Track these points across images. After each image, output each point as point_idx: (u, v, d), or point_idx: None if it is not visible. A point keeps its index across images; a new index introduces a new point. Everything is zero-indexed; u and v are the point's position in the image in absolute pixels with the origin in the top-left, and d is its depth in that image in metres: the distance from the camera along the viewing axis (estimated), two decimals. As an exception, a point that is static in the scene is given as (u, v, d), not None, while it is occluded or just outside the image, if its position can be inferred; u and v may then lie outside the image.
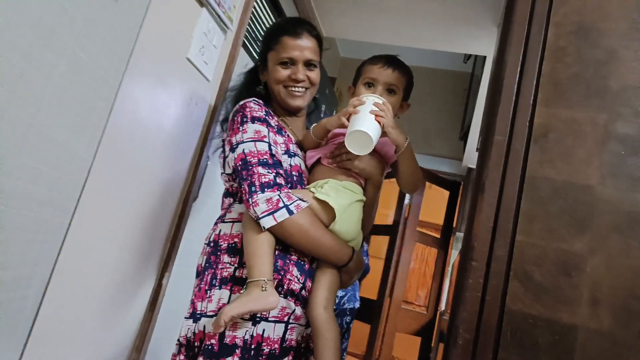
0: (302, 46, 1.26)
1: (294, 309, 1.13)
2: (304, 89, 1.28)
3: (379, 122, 1.13)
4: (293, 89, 1.27)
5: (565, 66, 0.95)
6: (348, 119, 1.15)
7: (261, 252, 1.08)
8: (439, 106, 4.17)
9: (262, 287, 1.03)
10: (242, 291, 1.07)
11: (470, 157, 3.88)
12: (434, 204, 4.00)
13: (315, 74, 1.29)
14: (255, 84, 1.34)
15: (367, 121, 1.11)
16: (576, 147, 0.91)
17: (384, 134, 1.16)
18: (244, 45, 1.89)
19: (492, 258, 0.90)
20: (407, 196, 3.82)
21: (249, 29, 2.00)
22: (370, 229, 1.33)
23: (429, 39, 2.71)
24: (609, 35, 0.95)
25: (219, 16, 1.45)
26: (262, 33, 2.18)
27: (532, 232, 0.89)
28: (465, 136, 3.73)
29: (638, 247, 0.84)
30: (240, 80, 1.38)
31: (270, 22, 2.26)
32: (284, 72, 1.26)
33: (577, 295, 0.84)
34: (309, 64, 1.28)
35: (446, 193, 4.09)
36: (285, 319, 1.12)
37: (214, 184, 1.74)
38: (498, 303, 0.87)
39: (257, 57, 2.10)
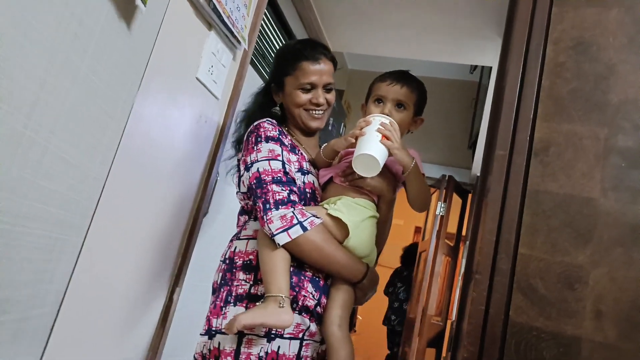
0: (322, 71, 1.29)
1: (309, 325, 1.14)
2: (322, 111, 1.32)
3: (386, 146, 1.13)
4: (314, 112, 1.30)
5: (564, 81, 0.97)
6: (356, 140, 1.16)
7: (278, 268, 1.09)
8: (447, 115, 4.18)
9: (280, 304, 1.04)
10: (259, 303, 1.09)
11: (479, 166, 3.88)
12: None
13: (331, 96, 1.33)
14: (268, 105, 1.36)
15: (373, 143, 1.12)
16: (577, 161, 0.92)
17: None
18: (252, 63, 1.93)
19: (496, 271, 0.91)
20: (439, 208, 3.82)
21: (257, 46, 2.04)
22: (384, 245, 1.34)
23: (435, 51, 2.74)
24: (608, 50, 0.96)
25: (227, 36, 1.49)
26: (270, 50, 2.22)
27: (535, 245, 0.90)
28: (474, 145, 3.73)
29: (640, 259, 0.85)
30: (252, 102, 1.40)
31: (278, 39, 2.30)
32: (304, 97, 1.29)
33: (581, 308, 0.85)
34: (326, 87, 1.31)
35: (458, 201, 4.10)
36: (300, 335, 1.13)
37: (223, 200, 1.76)
38: (502, 316, 0.88)
39: (266, 76, 2.14)
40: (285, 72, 1.31)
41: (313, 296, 1.15)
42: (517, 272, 0.90)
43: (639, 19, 0.96)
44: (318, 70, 1.29)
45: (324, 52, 1.33)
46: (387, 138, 1.14)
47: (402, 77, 1.27)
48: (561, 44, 0.99)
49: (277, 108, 1.36)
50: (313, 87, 1.29)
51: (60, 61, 0.91)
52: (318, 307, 1.16)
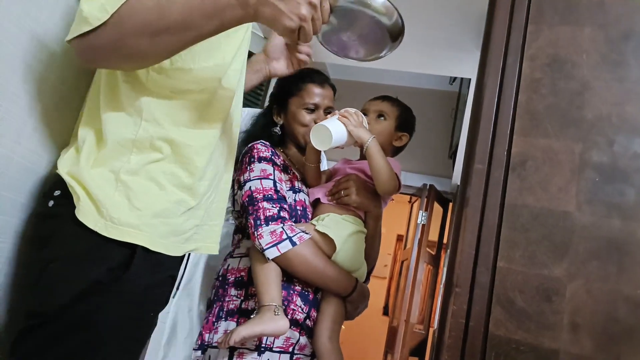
0: (324, 94, 1.37)
1: (299, 339, 1.16)
2: None
3: (343, 123, 1.22)
4: None
5: (540, 97, 0.99)
6: None
7: (270, 280, 1.12)
8: (428, 125, 4.22)
9: (275, 312, 1.07)
10: (253, 315, 1.11)
11: (460, 175, 3.91)
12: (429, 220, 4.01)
13: None
14: (269, 126, 1.42)
15: (330, 121, 1.22)
16: (553, 175, 0.94)
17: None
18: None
19: (475, 284, 0.92)
20: (420, 216, 3.85)
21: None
22: (375, 260, 1.37)
23: (415, 62, 2.77)
24: (582, 67, 0.99)
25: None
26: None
27: (514, 258, 0.92)
28: (454, 154, 3.78)
29: (615, 272, 0.87)
30: (254, 123, 1.45)
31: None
32: (308, 117, 1.35)
33: (558, 320, 0.87)
34: (326, 110, 1.39)
35: (439, 210, 4.14)
36: (290, 349, 1.14)
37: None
38: (482, 329, 0.89)
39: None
40: (289, 93, 1.39)
41: (302, 309, 1.17)
42: (496, 286, 0.91)
43: (611, 38, 0.98)
44: (322, 93, 1.36)
45: (327, 79, 1.42)
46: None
47: (386, 96, 1.40)
48: (537, 60, 1.01)
49: (277, 129, 1.41)
50: (316, 107, 1.36)
51: (25, 71, 0.91)
52: (308, 320, 1.18)
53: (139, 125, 0.89)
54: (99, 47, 0.80)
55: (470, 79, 2.91)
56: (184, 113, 0.93)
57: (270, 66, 1.25)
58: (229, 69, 0.99)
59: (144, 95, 0.89)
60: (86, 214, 0.83)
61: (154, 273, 0.89)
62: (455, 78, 3.86)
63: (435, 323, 4.00)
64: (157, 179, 0.90)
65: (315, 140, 1.20)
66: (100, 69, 0.95)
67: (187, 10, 0.79)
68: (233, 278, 1.22)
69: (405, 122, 1.38)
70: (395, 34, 1.07)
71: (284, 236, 1.13)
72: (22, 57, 0.89)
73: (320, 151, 1.32)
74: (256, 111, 1.52)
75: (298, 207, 1.27)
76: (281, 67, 1.24)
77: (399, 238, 6.32)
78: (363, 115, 1.28)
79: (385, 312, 5.98)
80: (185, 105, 0.94)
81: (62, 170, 0.89)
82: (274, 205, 1.17)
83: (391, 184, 1.25)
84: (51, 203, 0.89)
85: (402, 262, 4.29)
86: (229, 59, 0.99)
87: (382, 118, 1.35)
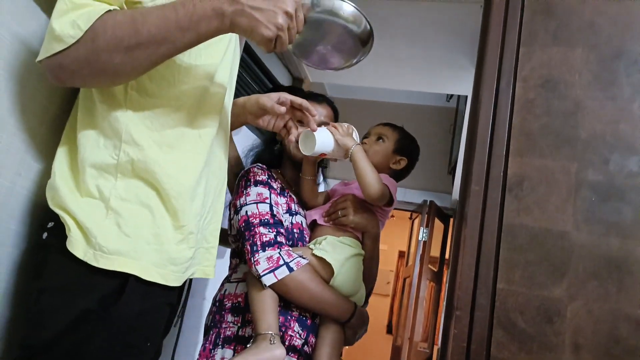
0: (320, 111, 1.38)
1: None
2: None
3: (332, 132, 1.25)
4: None
5: (535, 117, 1.00)
6: None
7: (266, 306, 1.11)
8: (427, 142, 4.21)
9: (271, 341, 1.06)
10: (249, 345, 1.09)
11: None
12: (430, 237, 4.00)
13: None
14: (273, 143, 1.44)
15: (319, 129, 1.22)
16: (550, 195, 0.94)
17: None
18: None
19: (476, 307, 0.92)
20: (422, 233, 3.83)
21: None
22: (374, 282, 1.36)
23: (411, 81, 2.80)
24: (575, 87, 1.00)
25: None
26: (242, 81, 2.25)
27: (513, 279, 0.92)
28: (454, 170, 3.79)
29: (615, 291, 0.87)
30: (259, 140, 1.49)
31: (253, 74, 2.32)
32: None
33: (560, 341, 0.86)
34: (320, 125, 1.38)
35: (441, 226, 4.13)
36: None
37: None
38: (484, 352, 0.89)
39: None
40: None
41: (300, 335, 1.16)
42: (496, 307, 0.91)
43: (602, 57, 1.00)
44: (317, 110, 1.35)
45: (327, 99, 1.43)
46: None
47: (388, 123, 1.44)
48: (530, 81, 1.02)
49: (278, 145, 1.42)
50: None
51: (27, 101, 0.92)
52: (306, 346, 1.17)
53: (119, 149, 0.86)
54: (70, 64, 0.78)
55: (467, 96, 2.93)
56: (165, 131, 0.91)
57: (248, 117, 1.21)
58: (214, 79, 0.97)
59: (122, 116, 0.87)
60: (76, 245, 0.82)
61: (147, 299, 0.87)
62: (452, 95, 3.89)
63: (440, 341, 3.96)
64: (148, 203, 0.87)
65: (302, 145, 1.21)
66: (72, 86, 0.93)
67: (162, 24, 0.78)
68: (230, 304, 1.20)
69: (404, 146, 1.40)
70: (365, 40, 1.10)
71: (281, 262, 1.12)
72: (21, 89, 0.91)
73: (317, 165, 1.32)
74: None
75: (295, 230, 1.26)
76: (261, 122, 1.20)
77: (401, 254, 6.30)
78: (354, 129, 1.29)
79: (389, 331, 5.92)
80: (167, 122, 0.91)
81: (50, 202, 0.87)
82: (271, 230, 1.16)
83: (376, 188, 1.23)
84: (45, 235, 0.89)
85: (405, 279, 4.26)
86: (213, 66, 0.97)
87: (381, 140, 1.39)
